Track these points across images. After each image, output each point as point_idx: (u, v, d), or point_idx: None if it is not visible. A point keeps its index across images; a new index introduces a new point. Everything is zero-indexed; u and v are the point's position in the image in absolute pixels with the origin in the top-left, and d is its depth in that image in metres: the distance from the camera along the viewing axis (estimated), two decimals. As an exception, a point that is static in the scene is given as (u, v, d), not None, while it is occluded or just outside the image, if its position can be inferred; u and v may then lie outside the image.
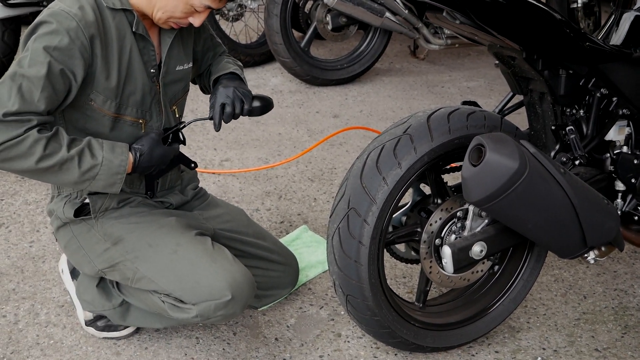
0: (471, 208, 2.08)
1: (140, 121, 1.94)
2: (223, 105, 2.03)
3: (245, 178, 3.22)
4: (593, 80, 2.13)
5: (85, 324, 2.20)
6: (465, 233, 2.07)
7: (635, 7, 2.29)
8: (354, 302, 2.02)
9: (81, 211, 1.98)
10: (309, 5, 4.33)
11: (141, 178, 2.02)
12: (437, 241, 2.07)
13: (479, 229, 2.08)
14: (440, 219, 2.07)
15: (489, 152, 1.78)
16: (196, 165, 2.13)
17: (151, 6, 1.85)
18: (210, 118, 2.04)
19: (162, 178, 2.08)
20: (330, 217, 2.04)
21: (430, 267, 2.10)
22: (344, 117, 3.93)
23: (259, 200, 3.04)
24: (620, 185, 2.23)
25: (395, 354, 2.22)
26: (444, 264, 2.02)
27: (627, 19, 2.29)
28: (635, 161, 2.21)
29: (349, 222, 1.96)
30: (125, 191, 1.99)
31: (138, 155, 1.87)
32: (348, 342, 2.27)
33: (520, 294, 2.30)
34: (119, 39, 1.83)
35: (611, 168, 2.20)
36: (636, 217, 2.26)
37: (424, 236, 2.06)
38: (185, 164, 2.10)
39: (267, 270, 2.26)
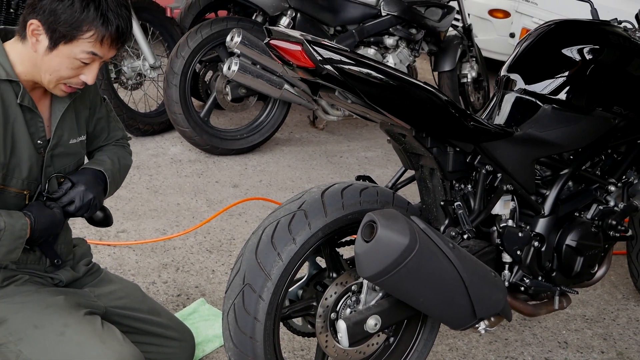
0: (365, 282, 2.11)
1: (25, 192, 1.89)
2: (71, 202, 1.95)
3: (142, 250, 3.15)
4: (478, 157, 2.23)
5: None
6: (360, 307, 2.10)
7: (516, 88, 2.44)
8: (250, 380, 2.00)
9: (-39, 291, 1.88)
10: (208, 75, 4.37)
11: (34, 253, 1.95)
12: (333, 315, 2.09)
13: (373, 302, 2.11)
14: (335, 292, 2.09)
15: (380, 229, 1.83)
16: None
17: (38, 72, 1.80)
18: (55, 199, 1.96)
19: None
20: (225, 293, 2.02)
21: (327, 341, 2.10)
22: (243, 186, 3.94)
23: (155, 273, 2.98)
24: (507, 257, 2.32)
25: None
26: (339, 337, 2.02)
27: (509, 100, 2.44)
28: (520, 234, 2.32)
29: (244, 298, 1.95)
30: (19, 266, 1.91)
31: (33, 218, 1.82)
32: (244, 420, 2.22)
33: (415, 365, 2.33)
34: (3, 110, 1.78)
35: (498, 241, 2.29)
36: (522, 288, 2.35)
37: (320, 310, 2.07)
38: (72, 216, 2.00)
39: (161, 347, 2.20)
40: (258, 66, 3.98)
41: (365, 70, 1.92)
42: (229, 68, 3.90)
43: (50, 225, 1.88)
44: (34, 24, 1.76)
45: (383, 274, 1.86)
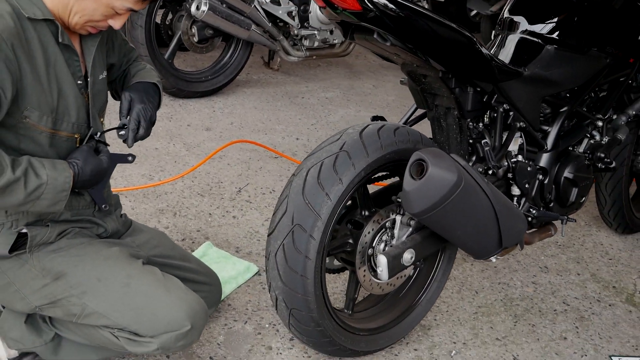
0: (398, 218, 2.22)
1: (76, 136, 1.84)
2: (138, 124, 1.97)
3: (134, 196, 3.12)
4: (495, 96, 2.35)
5: (8, 364, 2.04)
6: (394, 242, 2.20)
7: (520, 29, 2.55)
8: (298, 315, 2.07)
9: (15, 246, 1.83)
10: (169, 17, 4.25)
11: (84, 197, 1.92)
12: (370, 251, 2.18)
13: (404, 237, 2.21)
14: (372, 229, 2.18)
15: (431, 167, 1.92)
16: (134, 157, 2.03)
17: (67, 11, 1.73)
18: (123, 127, 1.96)
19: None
20: (270, 235, 2.06)
21: (364, 275, 2.20)
22: (216, 129, 3.92)
23: (154, 219, 2.96)
24: (516, 190, 2.48)
25: (327, 362, 2.30)
26: (379, 272, 2.12)
27: (512, 40, 2.55)
28: (529, 168, 2.47)
29: (294, 238, 2.00)
30: (73, 212, 1.88)
31: (77, 169, 1.78)
32: (280, 353, 2.30)
33: (435, 294, 2.48)
34: (43, 51, 1.71)
35: (509, 175, 2.44)
36: (530, 218, 2.52)
37: (359, 247, 2.16)
38: (123, 161, 2.00)
39: (195, 292, 2.24)
40: (224, 5, 3.92)
41: (408, 14, 1.97)
42: (197, 8, 3.82)
43: (97, 174, 1.84)
44: None
45: (431, 209, 1.96)
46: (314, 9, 4.41)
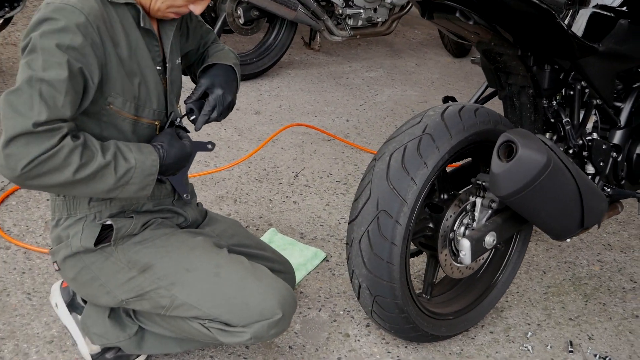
0: (479, 201, 2.18)
1: (156, 123, 1.82)
2: (213, 109, 1.94)
3: (193, 183, 3.10)
4: (571, 74, 2.30)
5: (92, 359, 2.04)
6: (475, 225, 2.17)
7: (591, 5, 2.49)
8: (382, 302, 2.05)
9: (99, 239, 1.82)
10: (213, -1, 4.21)
11: (165, 186, 1.90)
12: (451, 235, 2.15)
13: (484, 219, 2.18)
14: (454, 213, 2.15)
15: (522, 148, 1.88)
16: (214, 145, 2.00)
17: None
18: (192, 111, 1.93)
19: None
20: (352, 221, 2.04)
21: (445, 259, 2.17)
22: (265, 113, 3.89)
23: (215, 206, 2.95)
24: (590, 169, 2.43)
25: (406, 346, 2.28)
26: (461, 255, 2.09)
27: (584, 15, 2.48)
28: (604, 146, 2.42)
29: (380, 224, 1.97)
30: (155, 202, 1.87)
31: (162, 152, 1.75)
32: (358, 340, 2.29)
33: (511, 276, 2.45)
34: (125, 35, 1.69)
35: (585, 153, 2.39)
36: (605, 196, 2.47)
37: (441, 231, 2.13)
38: (203, 149, 1.97)
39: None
40: (270, -13, 3.87)
41: (495, -8, 1.93)
42: (245, -10, 3.78)
43: (181, 158, 1.81)
44: None
45: (520, 191, 1.92)
46: (359, -13, 4.36)
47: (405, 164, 1.97)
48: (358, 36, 4.58)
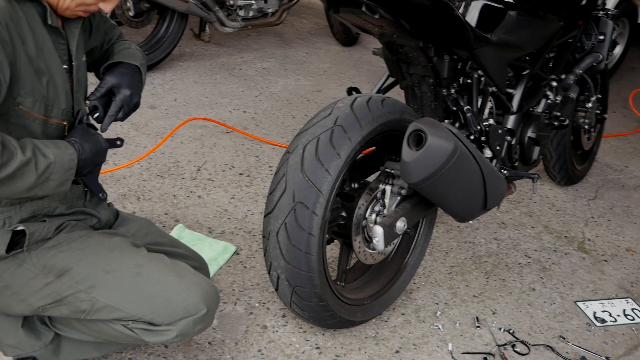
0: (388, 188, 2.25)
1: (64, 123, 1.75)
2: (120, 109, 1.91)
3: (93, 182, 3.00)
4: (469, 63, 2.41)
5: (4, 371, 1.95)
6: (386, 211, 2.24)
7: (482, -4, 2.61)
8: (301, 292, 2.08)
9: (11, 246, 1.74)
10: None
11: (77, 187, 1.84)
12: (364, 222, 2.21)
13: (394, 206, 2.26)
14: (366, 201, 2.21)
15: (430, 137, 1.96)
16: (122, 141, 1.95)
17: None
18: (96, 109, 1.88)
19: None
20: (268, 214, 2.05)
21: (359, 246, 2.23)
22: (161, 107, 3.81)
23: (118, 205, 2.87)
24: (488, 152, 2.56)
25: (323, 334, 2.32)
26: (375, 242, 2.15)
27: (476, 7, 2.61)
28: (499, 130, 2.56)
29: (297, 216, 2.00)
30: (67, 205, 1.80)
31: (78, 146, 1.70)
32: (276, 331, 2.31)
33: (419, 258, 2.54)
34: (32, 33, 1.62)
35: (482, 138, 2.52)
36: (502, 178, 2.62)
37: (355, 219, 2.18)
38: (113, 145, 1.91)
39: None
40: (160, -22, 3.79)
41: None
42: (133, -19, 3.68)
43: (96, 152, 1.76)
44: None
45: (430, 177, 2.01)
46: (248, -22, 4.35)
47: (319, 155, 2.01)
48: (249, 27, 4.57)
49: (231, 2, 4.34)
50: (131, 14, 3.95)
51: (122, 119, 1.93)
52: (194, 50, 4.72)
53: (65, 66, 1.74)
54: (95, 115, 1.88)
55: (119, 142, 1.95)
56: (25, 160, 1.53)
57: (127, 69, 1.95)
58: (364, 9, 2.05)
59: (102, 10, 1.75)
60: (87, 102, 1.90)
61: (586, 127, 3.41)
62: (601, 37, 3.15)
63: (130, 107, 1.92)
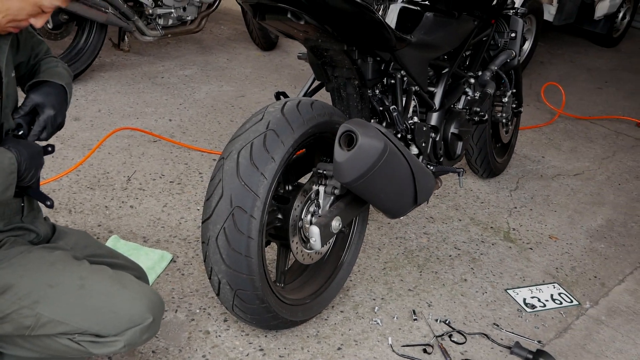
0: (322, 189, 2.31)
1: None
2: (44, 129, 1.90)
3: (20, 198, 2.94)
4: (391, 64, 2.49)
5: (-58, 395, 1.90)
6: (321, 211, 2.30)
7: (399, 1, 2.71)
8: (243, 295, 2.11)
9: (-53, 264, 1.71)
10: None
11: (13, 203, 1.82)
12: (300, 223, 2.27)
13: (328, 206, 2.32)
14: (301, 202, 2.26)
15: (361, 137, 2.03)
16: (53, 148, 1.92)
17: None
18: (20, 126, 1.85)
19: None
20: (206, 220, 2.07)
21: (297, 247, 2.28)
22: (85, 118, 3.76)
23: (50, 218, 2.81)
24: (414, 149, 2.66)
25: (265, 335, 2.36)
26: (312, 242, 2.20)
27: (394, 10, 2.71)
28: (424, 128, 2.66)
29: (235, 220, 2.03)
30: (1, 226, 1.78)
31: (14, 151, 1.67)
32: (219, 336, 2.34)
33: (354, 256, 2.61)
34: None
35: (409, 136, 2.61)
36: (429, 174, 2.72)
37: (291, 221, 2.23)
38: (45, 153, 1.88)
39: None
40: (77, -11, 3.73)
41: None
42: (49, -7, 3.60)
43: (34, 154, 1.74)
44: None
45: (362, 176, 2.08)
46: (167, -14, 4.33)
47: (254, 160, 2.05)
48: (169, 35, 4.56)
49: (150, 11, 4.31)
50: (50, 26, 3.88)
51: (46, 139, 1.91)
52: (114, 60, 4.66)
53: None
54: (20, 133, 1.86)
55: (50, 149, 1.94)
56: None
57: (53, 88, 1.93)
58: (289, 15, 2.11)
59: (32, 25, 1.73)
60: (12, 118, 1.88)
61: (504, 120, 3.57)
62: (513, 35, 3.31)
63: (54, 127, 1.90)
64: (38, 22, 1.72)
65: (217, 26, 5.87)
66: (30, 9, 1.66)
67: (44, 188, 3.04)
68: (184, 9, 4.56)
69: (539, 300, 2.81)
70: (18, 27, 1.71)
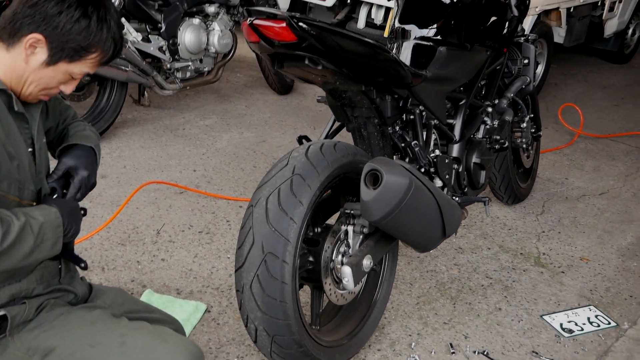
0: (350, 228, 2.33)
1: (34, 203, 1.78)
2: (78, 190, 1.95)
3: (54, 259, 2.99)
4: (409, 100, 2.53)
5: None
6: (351, 251, 2.32)
7: (412, 37, 2.77)
8: (280, 341, 2.12)
9: (-7, 332, 1.74)
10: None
11: (51, 265, 1.86)
12: (331, 264, 2.29)
13: (357, 245, 2.34)
14: (331, 244, 2.28)
15: (386, 175, 2.06)
16: (86, 211, 1.95)
17: (21, 82, 1.70)
18: (54, 191, 1.90)
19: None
20: (239, 268, 2.10)
21: (330, 288, 2.30)
22: (112, 175, 3.83)
23: (85, 277, 2.86)
24: (438, 182, 2.68)
25: (305, 379, 2.36)
26: (344, 282, 2.22)
27: (408, 47, 2.75)
28: (447, 160, 2.68)
29: (268, 266, 2.06)
30: (41, 289, 1.82)
31: (56, 207, 1.73)
32: (259, 383, 2.35)
33: (387, 293, 2.62)
34: (0, 120, 1.68)
35: (432, 169, 2.63)
36: (455, 206, 2.73)
37: (323, 263, 2.25)
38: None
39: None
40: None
41: (338, 38, 2.11)
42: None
43: (73, 209, 1.80)
44: (34, 38, 1.66)
45: (390, 214, 2.10)
46: (182, 40, 4.43)
47: (283, 205, 2.08)
48: (188, 87, 4.65)
49: (168, 65, 4.41)
50: (71, 88, 3.96)
51: (80, 199, 1.96)
52: (136, 116, 4.76)
53: (30, 149, 1.78)
54: (54, 197, 1.92)
55: (82, 212, 1.99)
56: (22, 225, 1.58)
57: (83, 150, 1.99)
58: (307, 62, 2.16)
59: (62, 91, 1.80)
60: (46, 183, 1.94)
61: (524, 146, 3.59)
62: (525, 61, 3.35)
63: (88, 187, 1.95)
64: (68, 89, 1.78)
65: (234, 74, 5.97)
66: (61, 77, 1.73)
67: (76, 247, 3.09)
68: (201, 60, 4.66)
69: (576, 324, 2.79)
70: (49, 94, 1.77)
